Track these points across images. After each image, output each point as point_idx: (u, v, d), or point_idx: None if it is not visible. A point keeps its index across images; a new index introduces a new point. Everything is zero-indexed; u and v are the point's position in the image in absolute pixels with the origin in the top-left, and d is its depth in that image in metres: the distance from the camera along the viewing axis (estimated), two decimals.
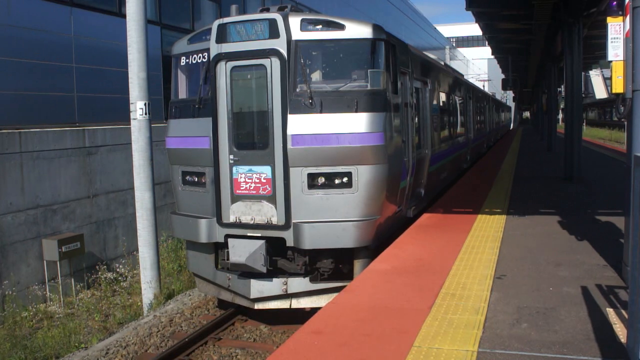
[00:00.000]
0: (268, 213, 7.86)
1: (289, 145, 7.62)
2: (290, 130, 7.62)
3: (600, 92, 58.23)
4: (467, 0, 15.79)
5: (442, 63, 16.04)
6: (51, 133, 11.64)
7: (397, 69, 8.62)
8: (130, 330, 8.59)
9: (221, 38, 7.98)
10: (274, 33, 7.70)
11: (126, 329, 8.75)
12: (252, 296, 8.03)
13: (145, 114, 9.88)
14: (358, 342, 4.78)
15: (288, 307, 8.07)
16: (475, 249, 7.89)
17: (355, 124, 7.58)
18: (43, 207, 11.37)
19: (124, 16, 10.16)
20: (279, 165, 7.73)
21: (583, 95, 25.97)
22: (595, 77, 56.68)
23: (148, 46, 9.96)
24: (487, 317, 5.31)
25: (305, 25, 7.76)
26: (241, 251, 7.74)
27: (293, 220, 7.71)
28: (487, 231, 9.02)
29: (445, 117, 14.30)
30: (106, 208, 12.94)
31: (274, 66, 7.73)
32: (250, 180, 7.94)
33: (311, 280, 7.89)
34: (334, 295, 6.43)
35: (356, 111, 7.60)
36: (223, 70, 7.99)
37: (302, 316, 7.69)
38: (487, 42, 30.05)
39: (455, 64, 61.46)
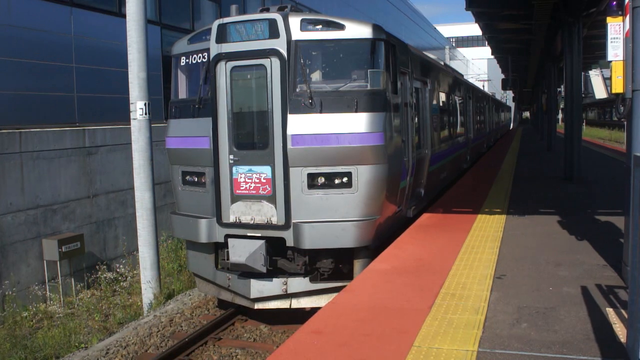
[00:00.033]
0: (268, 213, 7.86)
1: (289, 145, 7.62)
2: (290, 130, 7.62)
3: (600, 92, 58.17)
4: (467, 0, 15.79)
5: (442, 63, 16.04)
6: (51, 133, 11.64)
7: (397, 69, 8.62)
8: (130, 330, 8.59)
9: (221, 38, 7.98)
10: (274, 33, 7.70)
11: (126, 329, 8.76)
12: (252, 296, 8.03)
13: (145, 114, 9.89)
14: (358, 342, 4.78)
15: (288, 307, 8.07)
16: (475, 248, 7.90)
17: (355, 124, 7.59)
18: (43, 207, 11.37)
19: (124, 16, 10.17)
20: (278, 165, 7.73)
21: (583, 95, 25.96)
22: (595, 77, 56.63)
23: (148, 46, 9.96)
24: (487, 317, 5.31)
25: (305, 25, 7.76)
26: (241, 251, 7.75)
27: (293, 220, 7.71)
28: (487, 231, 9.02)
29: (445, 117, 14.30)
30: (106, 208, 12.94)
31: (274, 66, 7.73)
32: (250, 180, 7.94)
33: (311, 280, 7.89)
34: (334, 295, 6.43)
35: (356, 111, 7.60)
36: (223, 70, 8.00)
37: (302, 316, 7.69)
38: (487, 42, 30.04)
39: (455, 64, 61.46)
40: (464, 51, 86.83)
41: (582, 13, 14.81)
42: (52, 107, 12.41)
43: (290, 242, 7.76)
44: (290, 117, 7.64)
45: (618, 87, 5.65)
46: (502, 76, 47.42)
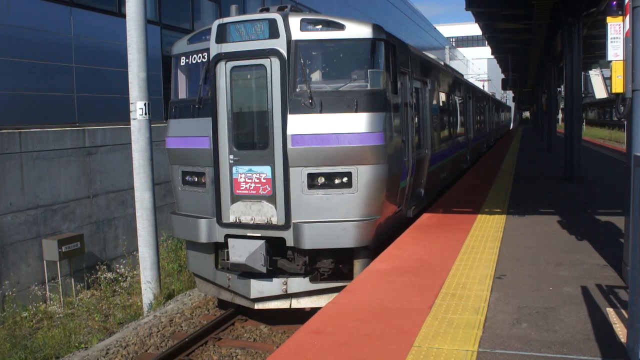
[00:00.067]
0: (268, 213, 7.86)
1: (289, 145, 7.62)
2: (290, 130, 7.62)
3: (600, 92, 58.24)
4: (467, 0, 15.79)
5: (442, 63, 16.04)
6: (51, 133, 11.64)
7: (397, 69, 8.62)
8: (130, 330, 8.59)
9: (221, 38, 7.98)
10: (273, 33, 7.70)
11: (126, 329, 8.75)
12: (252, 296, 8.03)
13: (145, 114, 9.89)
14: (358, 342, 4.78)
15: (288, 307, 8.06)
16: (475, 248, 7.90)
17: (355, 124, 7.58)
18: (43, 207, 11.37)
19: (124, 16, 10.16)
20: (278, 165, 7.73)
21: (583, 95, 25.97)
22: (595, 76, 56.69)
23: (148, 46, 9.96)
24: (487, 317, 5.31)
25: (305, 25, 7.76)
26: (241, 251, 7.74)
27: (293, 220, 7.71)
28: (487, 231, 9.02)
29: (445, 117, 14.30)
30: (106, 208, 12.94)
31: (273, 66, 7.73)
32: (250, 180, 7.94)
33: (311, 280, 7.89)
34: (334, 295, 6.43)
35: (356, 111, 7.60)
36: (223, 70, 7.99)
37: (302, 316, 7.69)
38: (487, 42, 30.04)
39: (455, 64, 61.46)
40: (464, 51, 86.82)
41: (582, 13, 14.81)
42: (52, 107, 12.40)
43: (290, 242, 7.76)
44: (290, 117, 7.64)
45: (618, 87, 5.65)
46: (502, 76, 47.43)
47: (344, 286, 6.65)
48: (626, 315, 4.76)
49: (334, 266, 7.94)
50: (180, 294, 10.51)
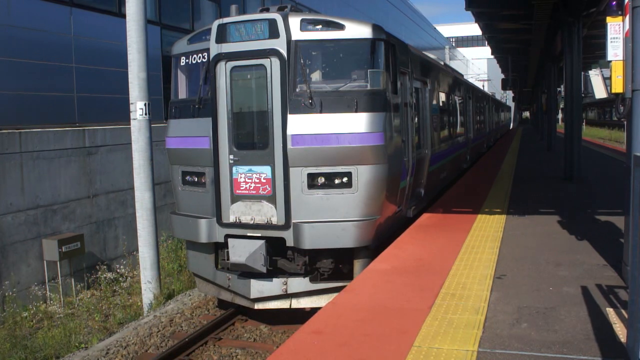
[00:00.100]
0: (268, 213, 7.86)
1: (289, 145, 7.62)
2: (290, 130, 7.62)
3: (599, 92, 58.18)
4: (466, 1, 15.79)
5: (442, 63, 16.04)
6: (51, 133, 11.64)
7: (397, 69, 8.62)
8: (131, 330, 8.59)
9: (221, 38, 7.98)
10: (273, 33, 7.70)
11: (126, 329, 8.76)
12: (252, 296, 8.03)
13: (145, 114, 9.89)
14: (358, 342, 4.78)
15: (288, 307, 8.07)
16: (475, 248, 7.90)
17: (355, 124, 7.58)
18: (43, 207, 11.37)
19: (124, 16, 10.17)
20: (278, 165, 7.73)
21: (583, 95, 25.95)
22: (595, 76, 56.63)
23: (148, 46, 9.96)
24: (487, 317, 5.31)
25: (305, 25, 7.76)
26: (241, 251, 7.74)
27: (293, 220, 7.71)
28: (487, 231, 9.02)
29: (445, 117, 14.30)
30: (106, 208, 12.94)
31: (273, 66, 7.73)
32: (250, 180, 7.94)
33: (311, 280, 7.89)
34: (334, 295, 6.43)
35: (356, 111, 7.60)
36: (223, 71, 7.99)
37: (302, 316, 7.69)
38: (487, 42, 30.05)
39: (455, 64, 61.46)
40: (464, 51, 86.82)
41: (582, 13, 14.81)
42: (52, 107, 12.41)
43: (290, 242, 7.76)
44: (290, 117, 7.64)
45: (618, 87, 5.65)
46: (502, 76, 47.43)
47: (344, 286, 6.65)
48: (626, 315, 4.76)
49: (334, 266, 7.94)
50: (180, 294, 10.51)
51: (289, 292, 7.91)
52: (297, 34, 7.72)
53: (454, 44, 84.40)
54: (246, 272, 8.02)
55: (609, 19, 5.72)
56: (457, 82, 17.63)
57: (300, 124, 7.62)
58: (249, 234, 7.90)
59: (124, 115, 10.88)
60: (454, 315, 5.36)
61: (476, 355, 4.48)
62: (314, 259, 7.92)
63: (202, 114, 8.20)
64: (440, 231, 9.05)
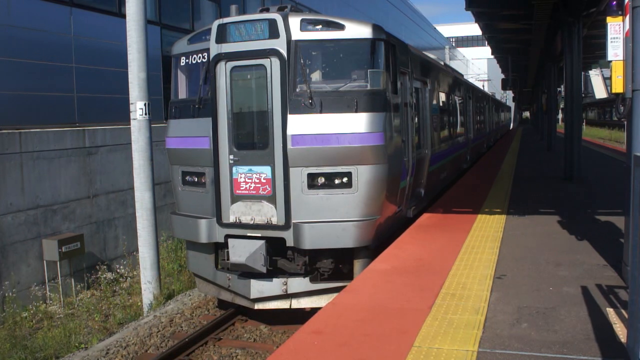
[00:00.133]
0: (268, 213, 7.85)
1: (289, 146, 7.62)
2: (290, 131, 7.62)
3: (600, 92, 58.25)
4: (466, 1, 15.79)
5: (442, 63, 16.04)
6: (51, 133, 11.64)
7: (397, 69, 8.62)
8: (131, 331, 8.59)
9: (221, 38, 7.98)
10: (273, 33, 7.70)
11: (126, 329, 8.76)
12: (252, 296, 8.03)
13: (145, 114, 9.89)
14: (358, 342, 4.78)
15: (288, 307, 8.06)
16: (475, 248, 7.90)
17: (355, 124, 7.58)
18: (43, 207, 11.37)
19: (124, 16, 10.17)
20: (278, 166, 7.73)
21: (583, 95, 25.95)
22: (595, 76, 56.69)
23: (148, 46, 9.96)
24: (487, 317, 5.31)
25: (305, 25, 7.76)
26: (241, 251, 7.74)
27: (293, 221, 7.70)
28: (487, 231, 9.02)
29: (445, 117, 14.30)
30: (106, 208, 12.94)
31: (273, 66, 7.73)
32: (250, 181, 7.94)
33: (311, 281, 7.89)
34: (334, 295, 6.43)
35: (356, 111, 7.60)
36: (223, 71, 7.99)
37: (302, 316, 7.69)
38: (487, 42, 30.04)
39: (455, 64, 61.46)
40: (464, 51, 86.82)
41: (582, 13, 14.81)
42: (52, 107, 12.40)
43: (290, 242, 7.76)
44: (290, 117, 7.64)
45: (618, 87, 5.65)
46: (502, 76, 47.41)
47: (344, 286, 6.64)
48: (626, 315, 4.76)
49: (334, 266, 7.94)
50: (180, 294, 10.51)
51: (289, 292, 7.91)
52: (297, 34, 7.72)
53: (454, 44, 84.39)
54: (246, 272, 8.02)
55: (609, 19, 5.71)
56: (457, 82, 17.63)
57: (300, 124, 7.62)
58: (249, 234, 7.89)
59: (124, 115, 10.88)
60: (454, 315, 5.36)
61: (476, 356, 4.48)
62: (314, 259, 7.92)
63: (202, 114, 8.20)
64: (441, 231, 9.05)
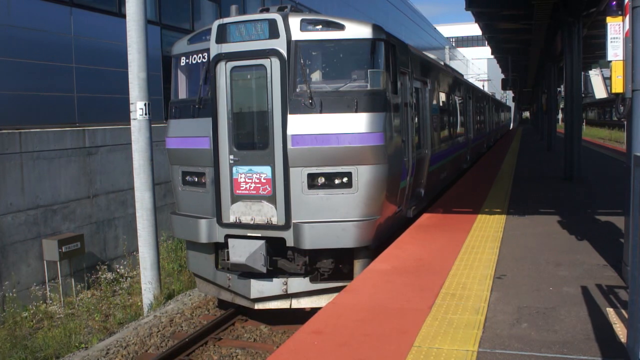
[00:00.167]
0: (268, 213, 7.86)
1: (289, 146, 7.62)
2: (290, 131, 7.62)
3: (599, 92, 58.24)
4: (466, 1, 15.80)
5: (442, 63, 16.04)
6: (51, 133, 11.64)
7: (397, 69, 8.62)
8: (131, 331, 8.60)
9: (221, 38, 7.98)
10: (273, 33, 7.70)
11: (126, 329, 8.76)
12: (252, 296, 8.03)
13: (145, 114, 9.89)
14: (358, 342, 4.78)
15: (288, 307, 8.07)
16: (475, 248, 7.90)
17: (355, 124, 7.58)
18: (43, 207, 11.37)
19: (124, 16, 10.17)
20: (279, 166, 7.73)
21: (583, 95, 25.95)
22: (595, 76, 56.68)
23: (148, 46, 9.96)
24: (487, 317, 5.31)
25: (305, 25, 7.76)
26: (241, 251, 7.75)
27: (293, 221, 7.71)
28: (487, 231, 9.03)
29: (445, 117, 14.31)
30: (106, 208, 12.95)
31: (273, 66, 7.73)
32: (250, 181, 7.94)
33: (311, 281, 7.89)
34: (334, 295, 6.43)
35: (356, 111, 7.60)
36: (223, 71, 7.99)
37: (302, 316, 7.69)
38: (487, 42, 30.05)
39: (455, 64, 61.47)
40: (464, 51, 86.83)
41: (582, 13, 14.81)
42: (52, 107, 12.41)
43: (290, 242, 7.76)
44: (290, 117, 7.64)
45: (618, 87, 5.65)
46: (502, 76, 47.43)
47: (344, 286, 6.65)
48: (626, 315, 4.76)
49: (334, 266, 7.94)
50: (181, 294, 10.51)
51: (289, 292, 7.91)
52: (297, 34, 7.72)
53: (454, 44, 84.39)
54: (246, 272, 8.02)
55: (609, 19, 5.72)
56: (457, 82, 17.64)
57: (301, 124, 7.62)
58: (249, 234, 7.90)
59: (124, 115, 10.88)
60: (454, 315, 5.36)
61: (476, 356, 4.48)
62: (314, 259, 7.92)
63: (202, 114, 8.20)
64: (441, 231, 9.05)
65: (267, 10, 8.29)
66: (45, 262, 11.25)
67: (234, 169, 8.01)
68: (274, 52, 7.69)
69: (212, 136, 8.05)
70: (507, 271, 6.81)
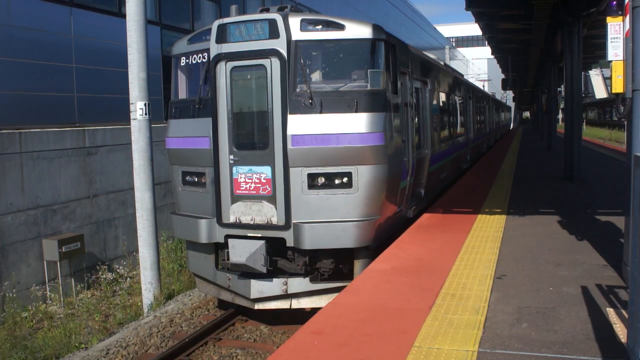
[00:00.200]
0: (268, 213, 7.86)
1: (289, 146, 7.62)
2: (290, 131, 7.62)
3: (600, 92, 58.25)
4: (467, 1, 15.79)
5: (442, 63, 16.04)
6: (51, 133, 11.64)
7: (397, 69, 8.62)
8: (131, 331, 8.59)
9: (221, 38, 7.98)
10: (273, 33, 7.70)
11: (126, 329, 8.76)
12: (252, 296, 8.03)
13: (145, 114, 9.89)
14: (358, 342, 4.78)
15: (288, 307, 8.06)
16: (475, 249, 7.90)
17: (355, 124, 7.58)
18: (43, 207, 11.37)
19: (124, 16, 10.17)
20: (279, 166, 7.73)
21: (583, 95, 25.95)
22: (595, 76, 56.69)
23: (148, 46, 9.96)
24: (487, 317, 5.31)
25: (305, 25, 7.76)
26: (241, 251, 7.74)
27: (293, 221, 7.70)
28: (487, 231, 9.02)
29: (445, 117, 14.30)
30: (106, 208, 12.95)
31: (273, 66, 7.73)
32: (250, 181, 7.94)
33: (311, 281, 7.89)
34: (334, 295, 6.43)
35: (356, 111, 7.60)
36: (223, 71, 7.99)
37: (302, 316, 7.69)
38: (487, 42, 30.05)
39: (455, 64, 61.47)
40: (464, 51, 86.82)
41: (582, 13, 14.81)
42: (52, 107, 12.41)
43: (290, 243, 7.76)
44: (290, 118, 7.64)
45: (618, 86, 5.65)
46: (502, 76, 47.41)
47: (344, 286, 6.64)
48: (626, 315, 4.76)
49: (334, 266, 7.94)
50: (181, 294, 10.51)
51: (289, 292, 7.91)
52: (297, 34, 7.72)
53: (454, 44, 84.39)
54: (246, 273, 8.02)
55: (609, 19, 5.72)
56: (457, 82, 17.63)
57: (301, 124, 7.62)
58: (249, 234, 7.89)
59: (124, 115, 10.88)
60: (454, 315, 5.36)
61: (476, 356, 4.48)
62: (314, 259, 7.92)
63: (202, 114, 8.19)
64: (441, 231, 9.05)
65: (267, 10, 8.29)
66: (45, 262, 11.25)
67: (234, 169, 8.00)
68: (274, 52, 7.69)
69: (212, 136, 8.04)
70: (507, 271, 6.81)
